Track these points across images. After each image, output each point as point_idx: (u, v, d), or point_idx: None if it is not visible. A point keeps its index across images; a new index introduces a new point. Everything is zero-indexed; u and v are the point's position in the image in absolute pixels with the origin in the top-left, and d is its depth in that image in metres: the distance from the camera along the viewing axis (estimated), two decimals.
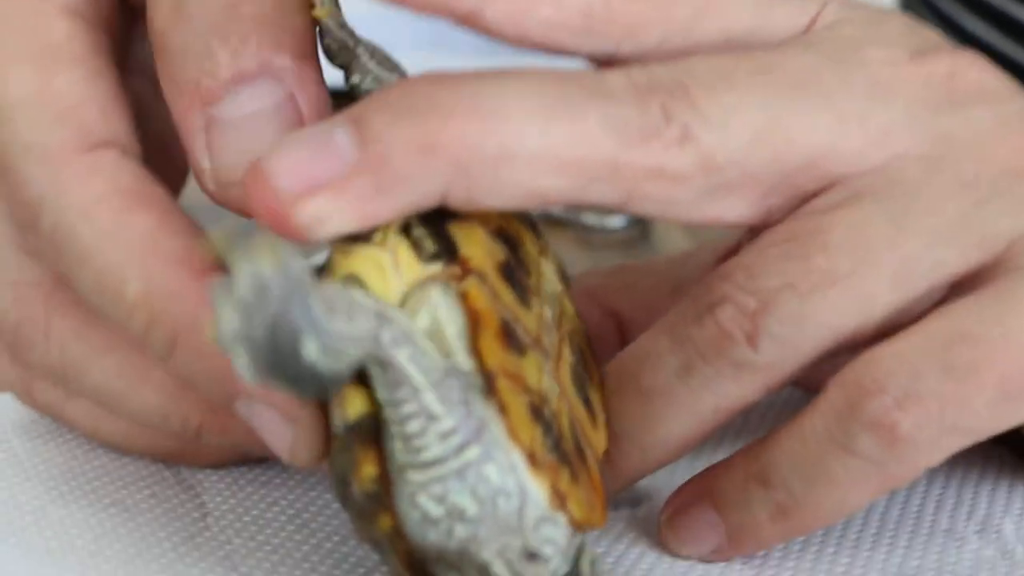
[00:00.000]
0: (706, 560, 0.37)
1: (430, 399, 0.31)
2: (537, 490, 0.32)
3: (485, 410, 0.32)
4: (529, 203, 0.34)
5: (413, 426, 0.31)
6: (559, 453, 0.33)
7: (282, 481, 0.41)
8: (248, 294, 0.29)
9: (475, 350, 0.32)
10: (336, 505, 0.37)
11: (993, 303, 0.35)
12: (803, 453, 0.35)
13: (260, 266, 0.29)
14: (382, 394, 0.31)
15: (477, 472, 0.32)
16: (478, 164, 0.33)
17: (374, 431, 0.32)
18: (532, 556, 0.31)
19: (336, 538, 0.38)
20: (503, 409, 0.32)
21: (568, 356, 0.36)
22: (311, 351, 0.29)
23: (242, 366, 0.29)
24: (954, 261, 0.35)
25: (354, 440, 0.32)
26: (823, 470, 0.35)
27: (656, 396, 0.36)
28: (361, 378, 0.32)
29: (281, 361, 0.29)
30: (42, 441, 0.42)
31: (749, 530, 0.36)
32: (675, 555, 0.37)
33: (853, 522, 0.39)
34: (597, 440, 0.36)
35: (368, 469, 0.32)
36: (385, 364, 0.31)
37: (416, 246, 0.33)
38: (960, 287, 0.36)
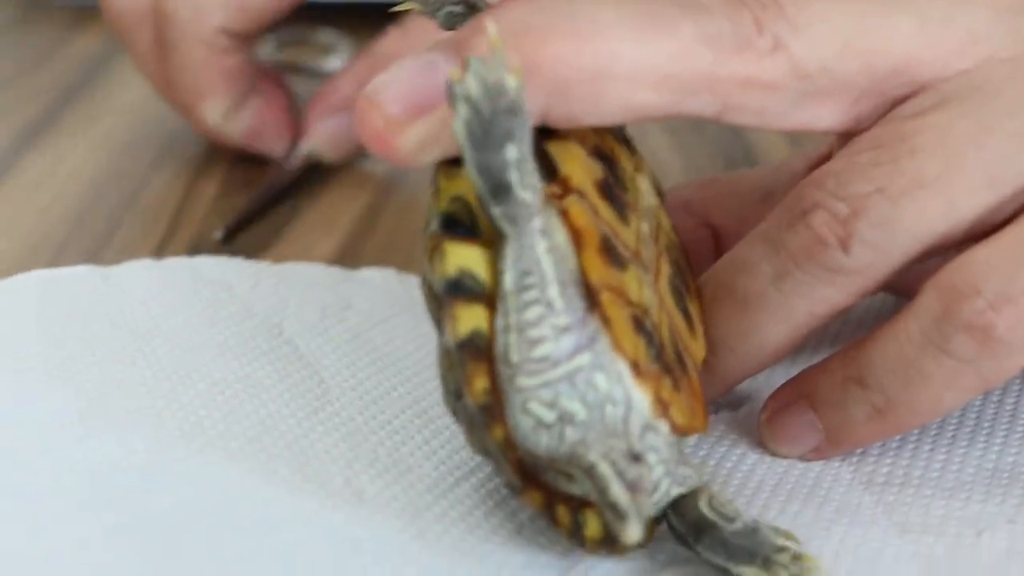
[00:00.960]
0: (805, 459, 0.38)
1: (554, 292, 0.33)
2: (641, 398, 0.34)
3: (592, 322, 0.33)
4: (627, 118, 0.35)
5: (532, 313, 0.33)
6: (661, 363, 0.34)
7: (398, 370, 0.42)
8: (480, 94, 0.32)
9: (578, 266, 0.34)
10: None
11: None
12: (899, 355, 0.36)
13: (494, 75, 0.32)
14: (510, 278, 0.33)
15: (587, 379, 0.33)
16: (576, 83, 0.34)
17: (485, 349, 0.33)
18: (636, 458, 0.33)
19: (454, 424, 0.40)
20: (607, 322, 0.33)
21: (666, 269, 0.37)
22: (512, 153, 0.32)
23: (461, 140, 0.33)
24: None
25: (465, 356, 0.33)
26: (918, 371, 0.36)
27: (752, 304, 0.37)
28: (472, 297, 0.33)
29: (488, 149, 0.32)
30: (163, 318, 0.44)
31: (846, 429, 0.37)
32: (775, 455, 0.39)
33: (948, 420, 0.40)
34: (696, 349, 0.37)
35: (480, 382, 0.33)
36: (526, 246, 0.33)
37: None
38: None
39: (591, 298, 0.33)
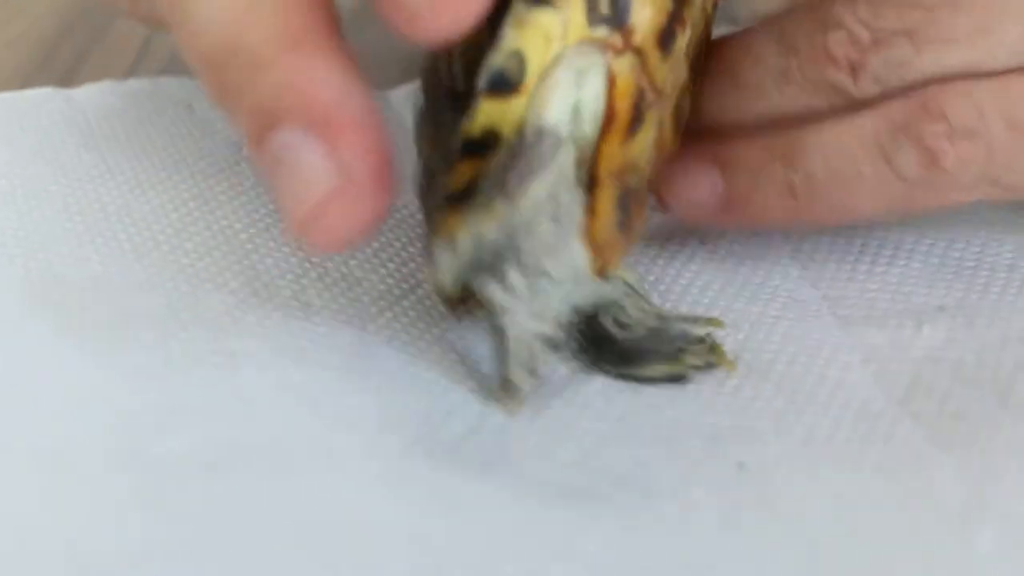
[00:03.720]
0: (692, 216, 0.38)
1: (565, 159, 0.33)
2: (586, 268, 0.34)
3: (576, 198, 0.33)
4: None
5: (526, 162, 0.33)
6: (624, 224, 0.35)
7: None
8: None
9: (595, 143, 0.33)
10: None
11: None
12: (840, 145, 0.36)
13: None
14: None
15: (542, 238, 0.33)
16: None
17: (487, 150, 0.33)
18: (548, 344, 0.34)
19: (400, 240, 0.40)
20: (592, 212, 0.34)
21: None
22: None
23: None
24: None
25: (466, 153, 0.34)
26: (855, 168, 0.36)
27: (748, 91, 0.37)
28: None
29: None
30: (124, 136, 0.44)
31: (749, 201, 0.37)
32: (661, 206, 0.38)
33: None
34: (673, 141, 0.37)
35: (466, 175, 0.34)
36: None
37: (591, 7, 0.33)
38: None
39: (590, 182, 0.34)
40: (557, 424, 0.34)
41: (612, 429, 0.34)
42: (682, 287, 0.38)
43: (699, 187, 0.38)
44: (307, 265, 0.39)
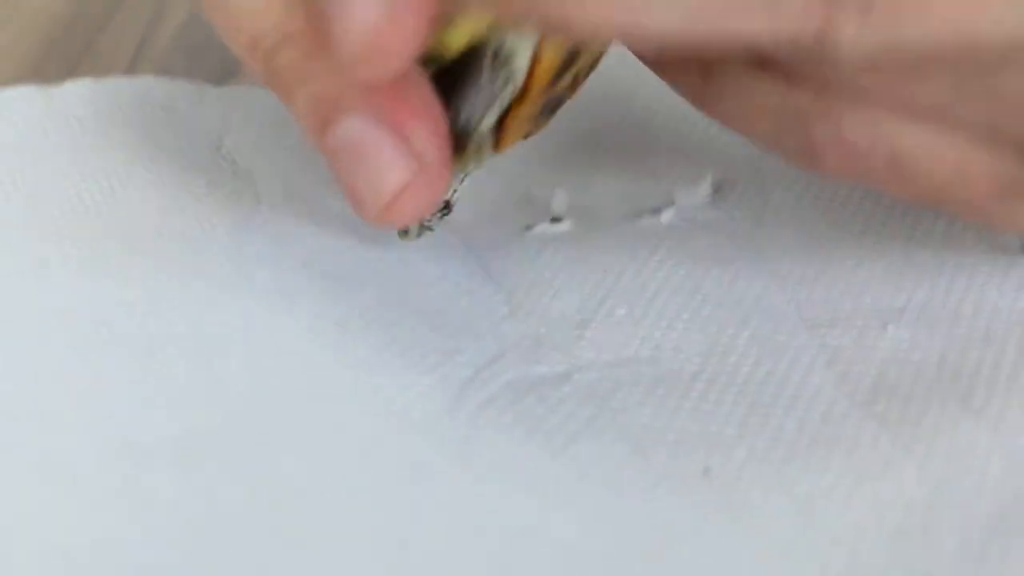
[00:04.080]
0: None
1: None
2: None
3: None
4: None
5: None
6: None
7: (332, 184, 0.43)
8: None
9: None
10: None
11: None
12: None
13: None
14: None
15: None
16: None
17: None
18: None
19: (383, 239, 0.41)
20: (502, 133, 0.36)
21: None
22: None
23: None
24: None
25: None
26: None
27: None
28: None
29: None
30: (103, 133, 0.45)
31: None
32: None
33: (862, 219, 0.40)
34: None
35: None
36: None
37: None
38: None
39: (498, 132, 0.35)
40: (529, 418, 0.35)
41: (582, 429, 0.34)
42: (652, 291, 0.39)
43: None
44: (286, 250, 0.40)
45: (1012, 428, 0.33)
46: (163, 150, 0.44)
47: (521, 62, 0.34)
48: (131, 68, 0.52)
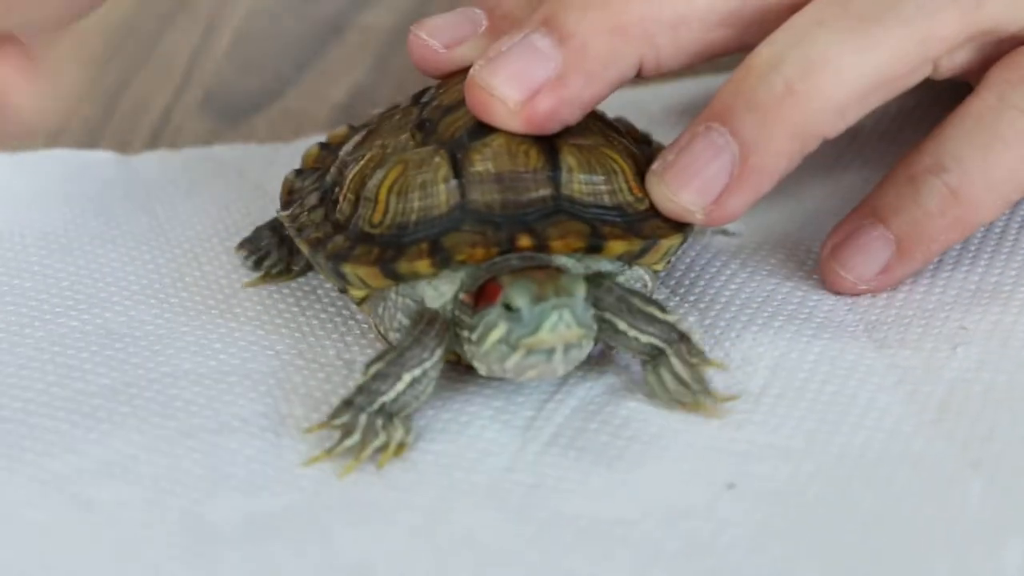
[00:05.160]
0: (870, 287, 0.39)
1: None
2: None
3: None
4: (703, 58, 0.37)
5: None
6: None
7: None
8: None
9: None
10: None
11: None
12: (977, 124, 0.37)
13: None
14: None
15: None
16: (661, 32, 0.36)
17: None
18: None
19: None
20: None
21: None
22: None
23: None
24: None
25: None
26: (997, 136, 0.37)
27: None
28: None
29: None
30: (179, 200, 0.46)
31: (919, 227, 0.38)
32: (840, 291, 0.39)
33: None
34: None
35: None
36: None
37: None
38: None
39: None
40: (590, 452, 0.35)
41: (644, 450, 0.35)
42: (722, 304, 0.39)
43: (874, 248, 0.38)
44: (351, 323, 0.40)
45: None
46: (236, 218, 0.45)
47: None
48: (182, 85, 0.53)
